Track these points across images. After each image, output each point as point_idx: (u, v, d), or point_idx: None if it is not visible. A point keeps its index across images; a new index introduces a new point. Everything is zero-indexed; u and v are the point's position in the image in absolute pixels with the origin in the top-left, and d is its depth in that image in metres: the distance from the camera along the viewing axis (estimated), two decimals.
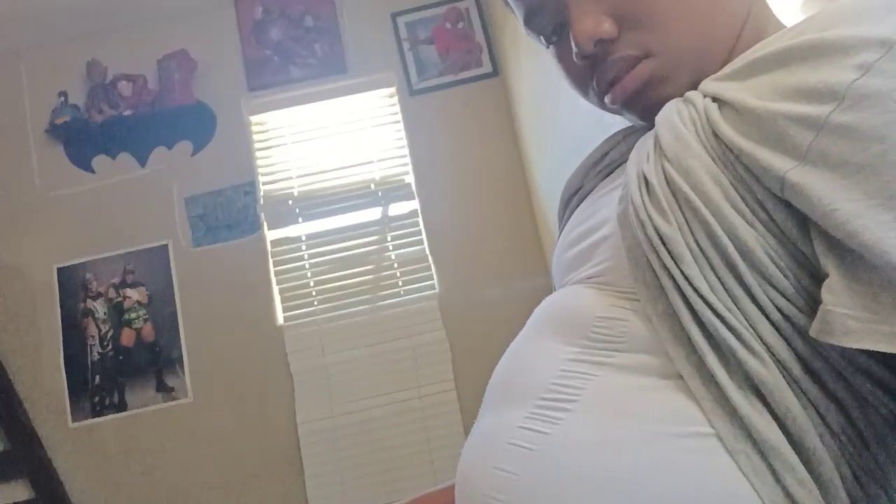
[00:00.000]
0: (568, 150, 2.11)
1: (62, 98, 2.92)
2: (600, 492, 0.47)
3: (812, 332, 0.44)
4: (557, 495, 0.48)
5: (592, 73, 0.60)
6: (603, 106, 0.63)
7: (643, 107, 0.59)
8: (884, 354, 0.43)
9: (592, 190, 0.71)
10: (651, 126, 0.59)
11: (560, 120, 2.16)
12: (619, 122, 0.71)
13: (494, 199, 2.88)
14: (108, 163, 2.92)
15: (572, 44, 0.58)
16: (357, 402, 2.67)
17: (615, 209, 0.56)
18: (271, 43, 3.01)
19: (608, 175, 0.70)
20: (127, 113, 2.93)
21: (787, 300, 0.46)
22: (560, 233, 0.74)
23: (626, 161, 0.67)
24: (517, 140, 2.91)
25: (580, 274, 0.62)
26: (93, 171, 2.91)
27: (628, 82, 0.57)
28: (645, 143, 0.55)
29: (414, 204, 2.91)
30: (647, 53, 0.56)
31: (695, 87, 0.55)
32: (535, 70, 2.37)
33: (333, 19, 3.02)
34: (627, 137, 0.69)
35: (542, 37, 0.63)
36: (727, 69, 0.52)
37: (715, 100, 0.51)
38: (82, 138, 2.92)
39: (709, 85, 0.53)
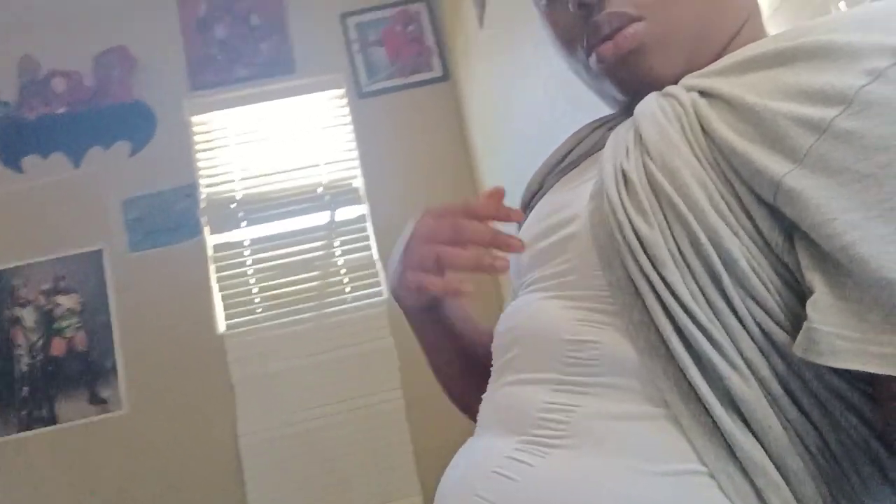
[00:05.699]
0: (520, 154, 2.10)
1: None
2: None
3: (796, 350, 0.42)
4: None
5: (584, 29, 0.57)
6: (587, 69, 0.61)
7: (628, 75, 0.57)
8: (855, 377, 0.42)
9: (553, 187, 0.69)
10: (627, 104, 0.57)
11: (513, 124, 2.13)
12: (575, 126, 0.68)
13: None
14: (38, 162, 2.80)
15: None
16: (301, 413, 2.60)
17: (585, 205, 0.54)
18: (215, 41, 2.92)
19: (574, 168, 0.68)
20: (61, 111, 2.81)
21: (767, 314, 0.44)
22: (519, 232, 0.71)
23: (595, 153, 0.65)
24: (467, 144, 2.89)
25: (543, 271, 0.59)
26: (22, 171, 2.79)
27: (620, 40, 0.55)
28: (622, 137, 0.53)
29: (362, 208, 2.85)
30: (642, 16, 0.55)
31: (682, 75, 0.53)
32: (488, 74, 2.34)
33: (281, 18, 2.95)
34: (595, 131, 0.67)
35: None
36: (715, 65, 0.51)
37: (703, 95, 0.49)
38: (12, 136, 2.80)
39: (693, 80, 0.51)
